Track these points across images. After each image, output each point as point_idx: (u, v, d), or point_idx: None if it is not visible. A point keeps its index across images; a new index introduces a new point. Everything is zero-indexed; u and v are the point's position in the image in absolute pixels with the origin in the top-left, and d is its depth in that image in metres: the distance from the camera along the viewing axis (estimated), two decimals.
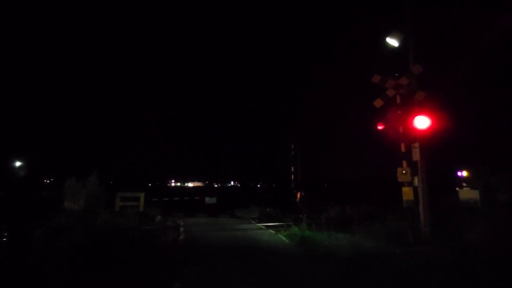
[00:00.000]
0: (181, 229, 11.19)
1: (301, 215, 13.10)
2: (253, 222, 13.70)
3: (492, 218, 7.77)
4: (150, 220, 12.87)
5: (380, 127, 8.76)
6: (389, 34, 8.81)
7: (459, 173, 14.87)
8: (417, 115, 7.89)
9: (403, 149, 8.39)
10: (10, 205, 14.01)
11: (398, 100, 8.55)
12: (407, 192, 8.12)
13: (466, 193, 13.17)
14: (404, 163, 8.30)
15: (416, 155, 8.07)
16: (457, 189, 14.18)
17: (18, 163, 29.70)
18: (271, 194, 30.34)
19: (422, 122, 7.78)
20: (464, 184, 14.36)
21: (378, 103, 8.64)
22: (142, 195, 15.12)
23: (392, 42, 8.82)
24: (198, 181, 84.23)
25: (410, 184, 8.11)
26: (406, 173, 8.15)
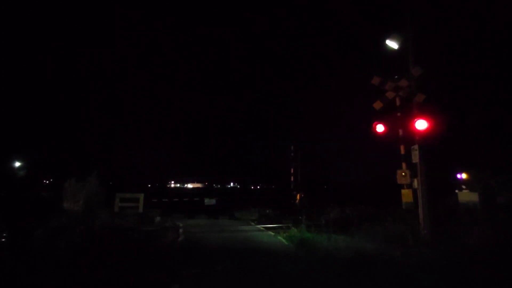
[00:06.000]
0: (180, 230, 11.18)
1: (300, 217, 13.08)
2: (253, 223, 13.68)
3: (491, 220, 7.77)
4: (150, 221, 12.84)
5: (379, 129, 8.77)
6: (389, 36, 8.84)
7: (458, 176, 14.89)
8: (416, 117, 7.91)
9: (402, 151, 8.41)
10: (10, 205, 13.99)
11: (398, 102, 8.57)
12: (406, 194, 8.13)
13: (466, 196, 13.16)
14: (404, 165, 8.32)
15: (415, 157, 8.08)
16: (457, 191, 14.19)
17: (17, 163, 29.71)
18: (271, 196, 30.35)
19: (421, 124, 7.80)
20: (464, 187, 14.37)
21: (377, 105, 8.66)
22: (141, 196, 15.08)
23: (392, 44, 8.85)
24: (197, 182, 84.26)
25: (410, 186, 8.12)
26: (405, 175, 8.16)
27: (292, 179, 16.16)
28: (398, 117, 8.53)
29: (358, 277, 5.46)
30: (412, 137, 8.12)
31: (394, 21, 9.36)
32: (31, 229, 8.18)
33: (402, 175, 8.19)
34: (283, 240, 9.20)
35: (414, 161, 8.14)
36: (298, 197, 14.25)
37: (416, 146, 8.07)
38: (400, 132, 8.47)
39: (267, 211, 15.82)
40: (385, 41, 8.90)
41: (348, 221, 10.30)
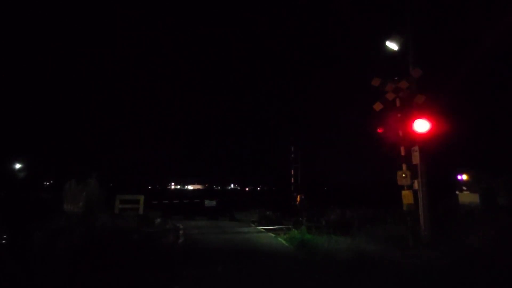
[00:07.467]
0: (181, 232, 11.17)
1: (301, 218, 13.08)
2: (253, 225, 13.67)
3: (492, 222, 7.75)
4: (150, 223, 12.82)
5: (380, 131, 8.77)
6: (389, 37, 8.85)
7: (459, 177, 14.88)
8: (416, 119, 7.90)
9: (403, 152, 8.39)
10: (10, 207, 14.00)
11: (398, 104, 8.56)
12: (407, 196, 8.11)
13: (466, 197, 13.16)
14: (404, 167, 8.30)
15: (416, 159, 8.07)
16: (457, 192, 14.18)
17: (18, 165, 29.73)
18: (271, 197, 30.28)
19: (421, 125, 7.79)
20: (464, 188, 14.36)
21: (377, 106, 8.65)
22: (141, 198, 15.07)
23: (392, 45, 8.85)
24: (198, 183, 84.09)
25: (410, 187, 8.10)
26: (406, 176, 8.14)
27: (292, 180, 16.16)
28: (398, 118, 8.52)
29: (358, 279, 5.45)
30: (413, 138, 8.11)
31: (394, 21, 9.37)
32: (31, 230, 8.17)
33: (403, 176, 8.18)
34: (284, 242, 9.18)
35: (414, 163, 8.12)
36: (298, 198, 14.24)
37: (416, 147, 8.06)
38: (400, 133, 8.46)
39: (268, 212, 15.79)
40: (385, 42, 8.90)
41: (349, 223, 10.29)
